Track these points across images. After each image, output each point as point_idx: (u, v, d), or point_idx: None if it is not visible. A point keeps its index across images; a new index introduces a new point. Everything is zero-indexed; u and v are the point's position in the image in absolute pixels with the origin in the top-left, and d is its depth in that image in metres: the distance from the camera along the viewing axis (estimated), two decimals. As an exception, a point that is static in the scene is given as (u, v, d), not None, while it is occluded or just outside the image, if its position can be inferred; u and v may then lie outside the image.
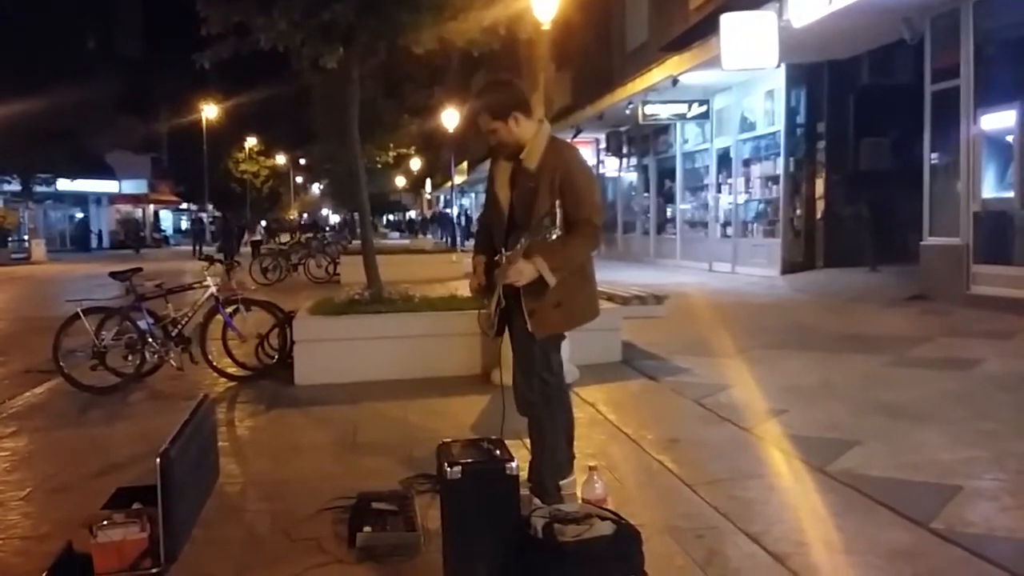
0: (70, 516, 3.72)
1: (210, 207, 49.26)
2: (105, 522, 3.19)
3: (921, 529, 3.53)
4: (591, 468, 3.60)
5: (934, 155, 11.56)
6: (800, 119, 15.66)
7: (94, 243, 46.99)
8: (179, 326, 7.33)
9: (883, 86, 14.48)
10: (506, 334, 3.83)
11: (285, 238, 33.61)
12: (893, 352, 7.59)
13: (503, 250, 3.62)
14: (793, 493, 4.08)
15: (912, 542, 3.42)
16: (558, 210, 3.35)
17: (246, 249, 29.22)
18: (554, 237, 3.47)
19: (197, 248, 32.86)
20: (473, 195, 52.61)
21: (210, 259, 8.10)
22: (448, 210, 44.76)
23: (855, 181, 15.10)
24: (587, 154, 26.29)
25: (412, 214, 70.93)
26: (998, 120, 10.36)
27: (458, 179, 40.50)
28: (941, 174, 11.43)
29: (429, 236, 41.35)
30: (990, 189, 10.59)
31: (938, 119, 11.32)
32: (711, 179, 18.96)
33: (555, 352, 3.76)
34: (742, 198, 17.55)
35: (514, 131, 3.62)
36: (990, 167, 10.61)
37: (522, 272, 3.47)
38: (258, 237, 33.15)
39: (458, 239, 32.05)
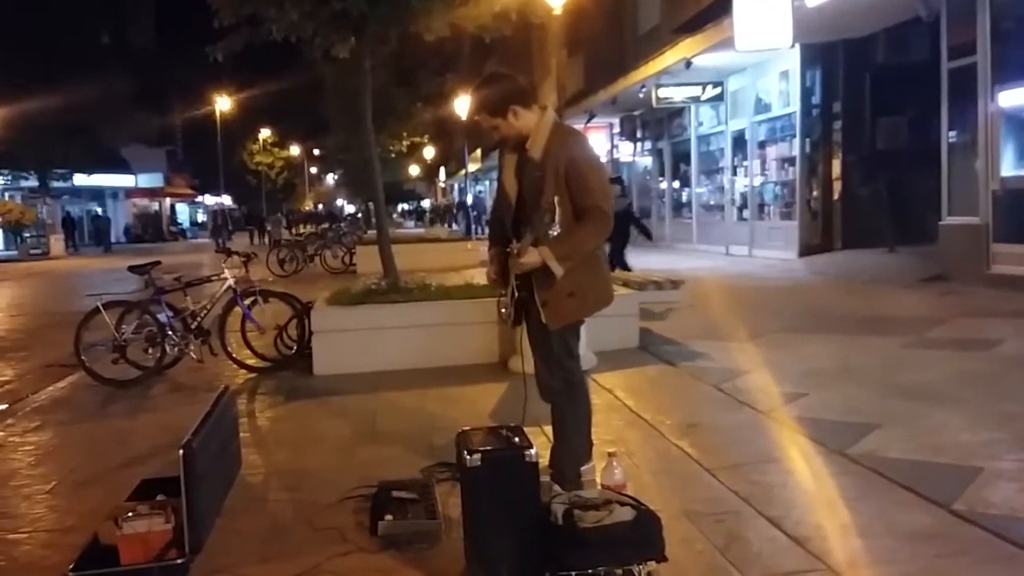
0: (95, 508, 3.77)
1: (227, 199, 49.42)
2: (130, 514, 3.23)
3: (942, 511, 3.51)
4: (610, 454, 3.60)
5: (952, 134, 11.45)
6: (816, 99, 15.54)
7: (112, 238, 47.25)
8: (198, 318, 7.38)
9: (899, 64, 14.30)
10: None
11: (303, 229, 33.48)
12: (912, 334, 7.54)
13: (515, 241, 3.61)
14: (812, 477, 4.07)
15: (933, 524, 3.41)
16: (558, 207, 3.32)
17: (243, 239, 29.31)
18: (554, 234, 3.41)
19: (220, 242, 30.76)
20: (487, 183, 52.30)
21: (228, 251, 8.13)
22: (464, 198, 43.63)
23: (872, 161, 14.97)
24: (601, 139, 26.23)
25: (426, 203, 70.56)
26: (1016, 97, 10.22)
27: (472, 167, 40.28)
28: (959, 153, 11.32)
29: (455, 227, 37.44)
30: (1009, 167, 10.47)
31: (955, 97, 11.20)
32: (726, 162, 18.86)
33: (574, 339, 3.75)
34: (758, 180, 17.45)
35: (514, 124, 3.59)
36: (1008, 145, 10.49)
37: (526, 261, 3.47)
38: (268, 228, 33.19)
39: (472, 227, 31.72)
